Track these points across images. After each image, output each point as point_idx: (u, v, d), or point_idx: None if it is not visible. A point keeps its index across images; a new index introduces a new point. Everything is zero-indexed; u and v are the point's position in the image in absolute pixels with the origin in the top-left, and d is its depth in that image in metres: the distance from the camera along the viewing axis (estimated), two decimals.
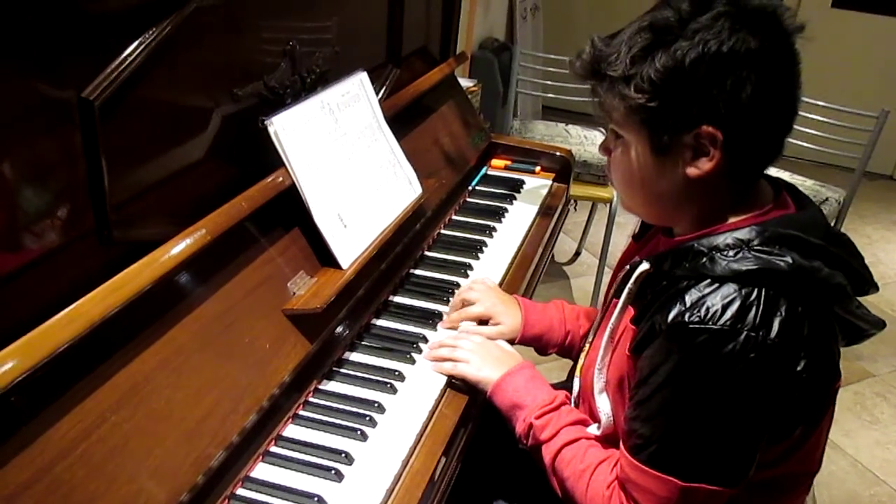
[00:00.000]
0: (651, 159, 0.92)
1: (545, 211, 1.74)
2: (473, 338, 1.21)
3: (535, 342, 1.28)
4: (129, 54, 0.85)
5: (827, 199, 2.67)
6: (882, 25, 4.19)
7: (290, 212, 1.14)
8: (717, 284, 0.87)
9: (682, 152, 0.90)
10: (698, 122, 0.87)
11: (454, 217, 1.63)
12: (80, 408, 0.77)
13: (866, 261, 0.98)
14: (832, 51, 4.27)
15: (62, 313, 0.76)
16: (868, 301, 0.97)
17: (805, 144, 2.63)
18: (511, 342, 1.27)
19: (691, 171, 0.90)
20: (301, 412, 1.05)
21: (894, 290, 3.25)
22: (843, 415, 2.47)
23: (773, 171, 1.01)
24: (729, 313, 0.84)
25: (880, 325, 1.00)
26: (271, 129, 1.10)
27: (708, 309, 0.85)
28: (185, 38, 0.94)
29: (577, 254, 3.30)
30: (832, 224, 2.63)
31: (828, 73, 4.23)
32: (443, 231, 1.57)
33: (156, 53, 0.88)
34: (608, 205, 2.86)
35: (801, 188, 1.01)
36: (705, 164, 0.89)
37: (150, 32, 0.87)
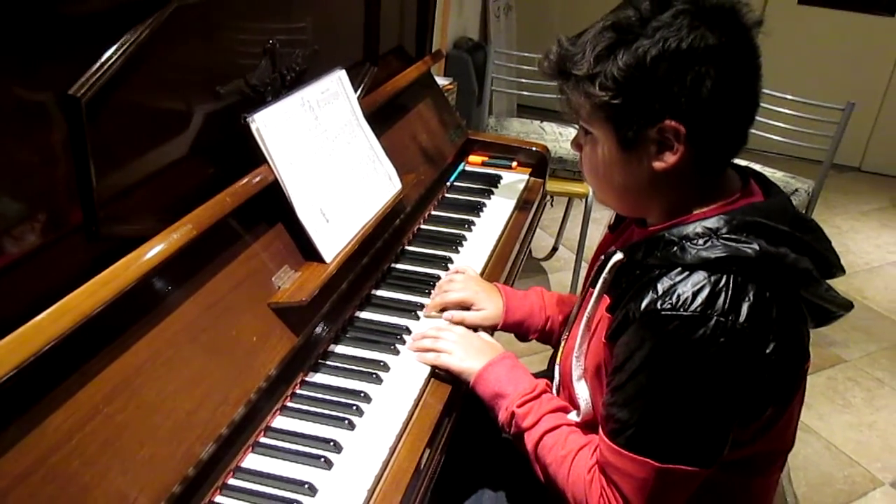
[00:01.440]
0: (618, 154, 0.96)
1: (522, 205, 1.77)
2: (456, 329, 1.23)
3: (517, 328, 1.31)
4: (114, 52, 0.86)
5: (796, 190, 2.73)
6: (846, 20, 4.29)
7: (273, 208, 1.15)
8: (687, 272, 0.89)
9: (647, 146, 0.93)
10: (661, 117, 0.90)
11: (433, 212, 1.65)
12: (74, 400, 0.79)
13: (836, 251, 1.02)
14: (799, 46, 4.36)
15: (54, 307, 0.77)
16: (839, 289, 1.00)
17: (774, 137, 2.68)
18: (493, 328, 1.29)
19: (657, 164, 0.93)
20: (289, 403, 1.07)
21: (864, 278, 3.33)
22: (816, 399, 2.53)
23: (742, 164, 1.05)
24: (699, 300, 0.87)
25: (848, 306, 1.03)
26: (253, 126, 1.12)
27: (679, 296, 0.88)
28: (167, 37, 0.95)
29: (555, 249, 3.34)
30: None
31: (795, 67, 4.33)
32: (422, 226, 1.59)
33: (139, 52, 0.90)
34: (584, 200, 2.91)
35: (770, 179, 1.05)
36: (670, 158, 0.92)
37: (134, 31, 0.89)
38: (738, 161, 1.02)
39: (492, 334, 1.32)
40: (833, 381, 2.65)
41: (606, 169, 0.98)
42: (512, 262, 1.58)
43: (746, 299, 0.88)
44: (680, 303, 0.88)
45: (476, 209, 1.68)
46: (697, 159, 0.93)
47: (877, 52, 4.29)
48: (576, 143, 1.03)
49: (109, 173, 0.90)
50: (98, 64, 0.84)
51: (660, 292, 0.89)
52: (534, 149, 1.93)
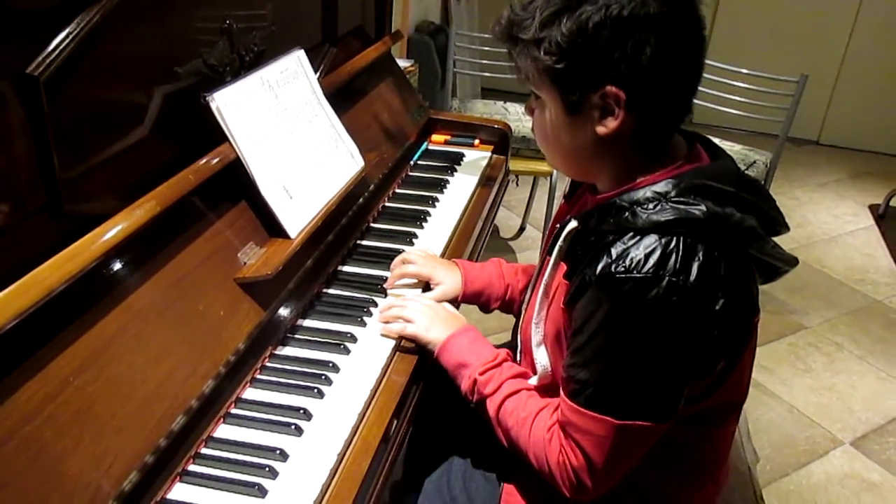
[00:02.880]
0: (564, 118, 0.99)
1: (486, 182, 1.80)
2: (421, 299, 1.26)
3: (477, 299, 1.34)
4: (71, 31, 0.87)
5: (754, 161, 2.80)
6: None
7: (236, 186, 1.17)
8: (639, 236, 0.92)
9: (591, 111, 0.96)
10: (602, 82, 0.93)
11: (397, 190, 1.68)
12: (44, 373, 0.80)
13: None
14: (754, 20, 4.44)
15: (20, 282, 0.79)
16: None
17: (732, 111, 2.74)
18: (454, 300, 1.32)
19: (600, 129, 0.96)
20: (259, 376, 1.10)
21: (823, 248, 3.42)
22: (779, 365, 2.61)
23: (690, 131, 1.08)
24: (651, 261, 0.90)
25: (792, 262, 1.07)
26: (213, 105, 1.13)
27: (632, 259, 0.91)
28: (124, 16, 0.97)
29: (522, 229, 3.38)
30: None
31: (751, 42, 4.41)
32: (387, 203, 1.62)
33: (96, 30, 0.91)
34: (548, 179, 2.95)
35: (729, 153, 1.08)
36: (611, 123, 0.95)
37: (90, 10, 0.90)
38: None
39: (457, 308, 1.35)
40: (794, 347, 2.73)
41: (554, 132, 1.01)
42: (476, 237, 1.61)
43: (696, 259, 0.91)
44: (633, 265, 0.91)
45: (439, 186, 1.70)
46: (640, 126, 0.96)
47: (832, 27, 4.38)
48: (528, 108, 1.06)
49: (72, 152, 0.91)
50: (55, 43, 0.86)
51: (614, 256, 0.92)
52: (495, 126, 1.96)
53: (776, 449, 2.25)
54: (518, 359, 1.20)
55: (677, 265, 0.90)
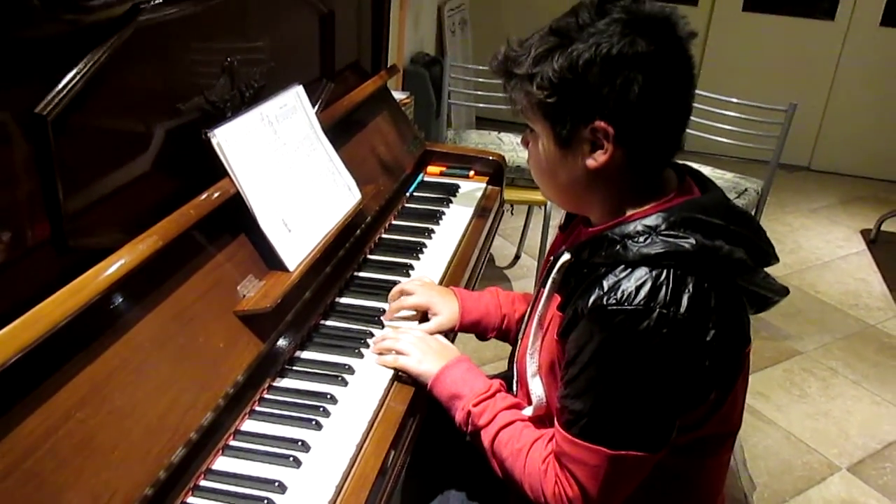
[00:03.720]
0: (556, 150, 1.01)
1: (481, 212, 1.82)
2: (414, 332, 1.27)
3: (474, 328, 1.35)
4: (78, 72, 0.90)
5: (746, 189, 2.83)
6: (789, 26, 4.45)
7: (236, 219, 1.19)
8: (630, 269, 0.94)
9: (581, 145, 0.99)
10: (592, 117, 0.96)
11: (394, 222, 1.70)
12: (47, 406, 0.82)
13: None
14: (744, 51, 4.52)
15: (25, 316, 0.80)
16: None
17: (723, 140, 2.79)
18: (451, 330, 1.33)
19: (590, 162, 0.99)
20: (257, 408, 1.11)
21: (816, 273, 3.44)
22: (774, 391, 2.62)
23: (694, 166, 1.11)
24: (642, 294, 0.92)
25: (783, 292, 1.08)
26: (214, 141, 1.16)
27: (623, 291, 0.93)
28: (128, 57, 0.99)
29: (517, 257, 3.41)
30: (753, 212, 2.79)
31: (741, 72, 4.48)
32: (384, 235, 1.64)
33: (102, 71, 0.93)
34: (543, 208, 2.97)
35: (721, 181, 1.11)
36: (601, 157, 0.98)
37: (96, 52, 0.93)
38: (691, 164, 1.07)
39: (454, 337, 1.36)
40: (789, 372, 2.74)
41: (547, 164, 1.04)
42: (472, 267, 1.63)
43: (686, 291, 0.93)
44: (624, 297, 0.93)
45: (435, 217, 1.72)
46: (629, 160, 0.99)
47: (819, 56, 4.45)
48: (524, 140, 1.09)
49: (77, 188, 0.93)
50: (63, 83, 0.88)
51: (605, 288, 0.94)
52: (490, 158, 1.99)
53: (773, 476, 2.25)
54: (514, 389, 1.21)
55: (667, 297, 0.92)
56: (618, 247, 0.97)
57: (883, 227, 3.81)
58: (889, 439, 2.43)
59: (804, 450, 2.36)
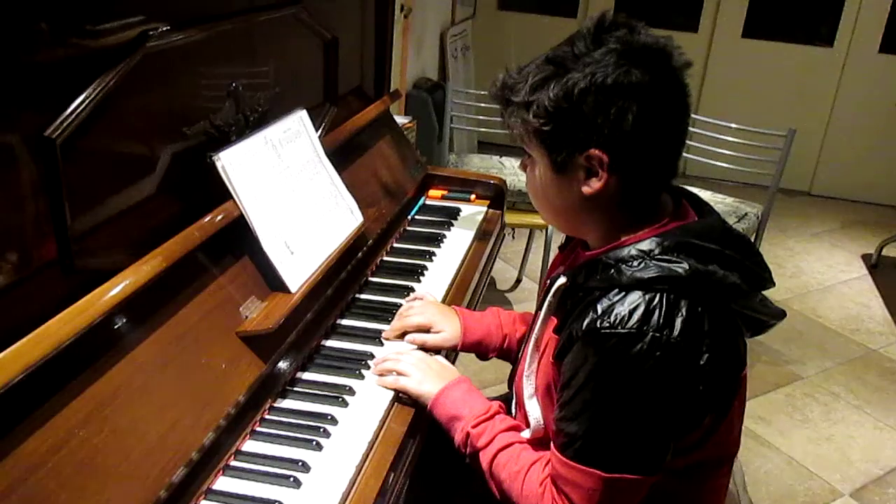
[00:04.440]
0: (552, 176, 1.03)
1: (482, 235, 1.84)
2: (415, 353, 1.28)
3: (476, 348, 1.36)
4: (87, 97, 0.92)
5: (746, 214, 2.84)
6: (788, 52, 4.50)
7: (239, 241, 1.21)
8: (624, 293, 0.96)
9: (576, 171, 1.01)
10: (587, 145, 0.98)
11: (395, 244, 1.72)
12: (50, 424, 0.82)
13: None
14: (744, 76, 4.56)
15: (32, 334, 0.82)
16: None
17: (723, 165, 2.81)
18: (453, 349, 1.35)
19: (585, 188, 1.01)
20: (258, 428, 1.11)
21: (817, 297, 3.44)
22: (776, 416, 2.62)
23: (693, 191, 1.12)
24: (635, 317, 0.93)
25: (780, 315, 1.09)
26: (219, 164, 1.18)
27: (617, 315, 0.94)
28: (136, 82, 1.02)
29: (518, 281, 3.42)
30: (753, 237, 2.80)
31: (741, 98, 4.52)
32: (385, 257, 1.65)
33: (110, 95, 0.96)
34: (544, 231, 2.99)
35: (721, 205, 1.12)
36: (595, 184, 1.00)
37: (105, 76, 0.95)
38: (689, 188, 1.09)
39: (455, 357, 1.37)
40: (791, 397, 2.74)
41: (544, 189, 1.06)
42: (473, 290, 1.64)
43: (679, 315, 0.94)
44: (618, 321, 0.94)
45: (437, 240, 1.74)
46: (624, 187, 1.00)
47: (818, 82, 4.49)
48: (522, 164, 1.11)
49: (84, 209, 0.95)
50: (72, 107, 0.90)
51: (599, 312, 0.95)
52: (491, 182, 2.01)
53: (775, 501, 2.24)
54: (513, 411, 1.21)
55: (661, 321, 0.93)
56: (612, 271, 0.98)
57: (884, 252, 3.82)
58: (892, 465, 2.42)
59: (806, 475, 2.36)
